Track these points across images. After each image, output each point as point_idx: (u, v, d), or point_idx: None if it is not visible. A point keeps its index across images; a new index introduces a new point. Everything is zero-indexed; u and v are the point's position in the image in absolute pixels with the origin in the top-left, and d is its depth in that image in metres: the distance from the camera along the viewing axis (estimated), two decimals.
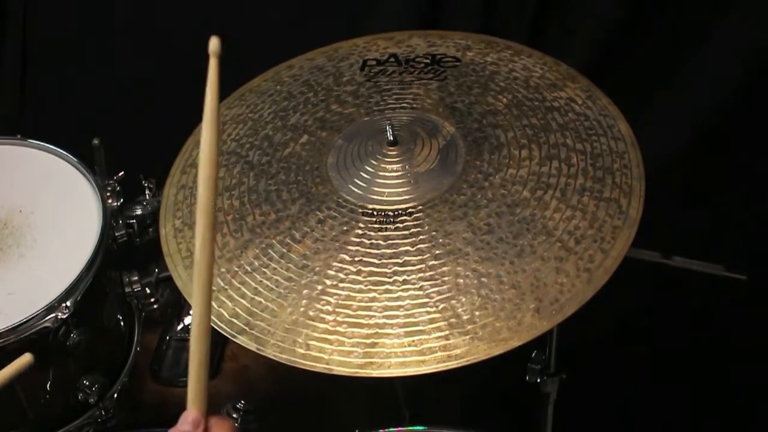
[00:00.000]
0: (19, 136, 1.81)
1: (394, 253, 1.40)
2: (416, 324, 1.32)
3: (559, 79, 1.64)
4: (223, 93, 1.71)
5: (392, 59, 1.72)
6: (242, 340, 1.37)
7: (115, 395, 1.71)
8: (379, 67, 1.71)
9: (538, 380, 1.71)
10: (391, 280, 1.37)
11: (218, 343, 1.93)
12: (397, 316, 1.34)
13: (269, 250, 1.45)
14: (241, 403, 1.80)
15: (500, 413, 2.22)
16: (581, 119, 1.56)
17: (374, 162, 1.52)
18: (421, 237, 1.41)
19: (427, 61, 1.70)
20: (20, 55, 2.48)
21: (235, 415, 1.80)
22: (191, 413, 1.18)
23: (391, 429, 1.72)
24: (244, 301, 1.40)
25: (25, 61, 2.48)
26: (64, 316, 1.54)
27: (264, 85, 1.74)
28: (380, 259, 1.39)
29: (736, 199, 2.38)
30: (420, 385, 1.91)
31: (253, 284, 1.41)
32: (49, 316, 1.53)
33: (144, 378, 1.90)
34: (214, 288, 1.42)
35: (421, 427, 1.74)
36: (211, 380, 1.90)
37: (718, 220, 2.36)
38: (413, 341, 1.31)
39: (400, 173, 1.50)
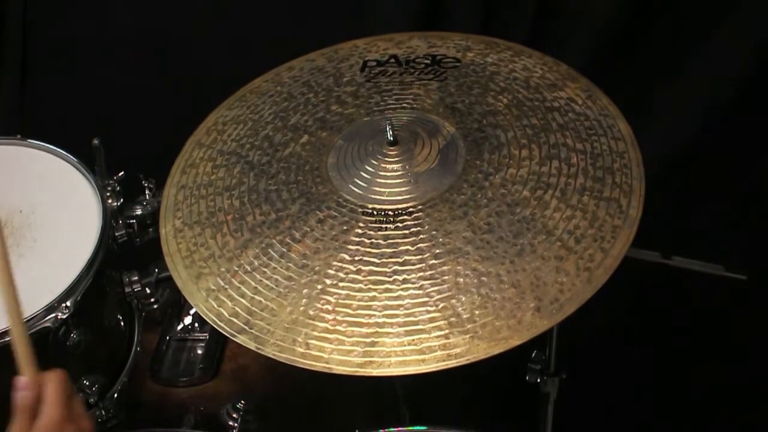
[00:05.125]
0: (19, 136, 1.81)
1: (394, 252, 1.40)
2: (416, 323, 1.32)
3: (559, 79, 1.64)
4: (224, 94, 1.73)
5: (392, 60, 1.72)
6: (242, 339, 1.37)
7: (115, 395, 1.71)
8: (379, 67, 1.71)
9: (538, 380, 1.71)
10: (391, 279, 1.37)
11: (218, 343, 1.93)
12: (397, 315, 1.34)
13: (269, 250, 1.45)
14: (241, 403, 1.80)
15: (500, 413, 2.23)
16: (581, 119, 1.56)
17: (374, 162, 1.52)
18: (421, 236, 1.41)
19: (428, 61, 1.71)
20: (20, 55, 2.48)
21: (235, 415, 1.80)
22: (23, 378, 1.25)
23: (391, 429, 1.72)
24: (243, 301, 1.40)
25: (25, 61, 2.48)
26: (64, 316, 1.54)
27: (264, 86, 1.74)
28: (380, 259, 1.40)
29: (736, 199, 2.38)
30: (420, 384, 1.92)
31: (252, 283, 1.42)
32: (49, 316, 1.53)
33: (144, 378, 1.90)
34: (213, 288, 1.42)
35: (421, 427, 1.73)
36: (211, 380, 1.92)
37: (718, 220, 2.37)
38: (413, 340, 1.31)
39: (400, 173, 1.50)
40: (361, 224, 1.45)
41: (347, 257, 1.41)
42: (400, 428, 1.72)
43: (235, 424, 1.79)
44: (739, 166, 2.34)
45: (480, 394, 2.24)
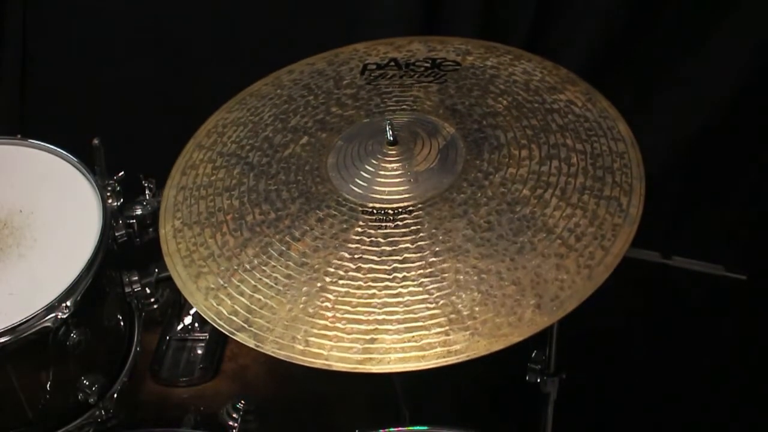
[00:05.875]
0: (19, 136, 1.81)
1: (393, 250, 1.40)
2: (416, 320, 1.32)
3: (558, 82, 1.64)
4: (224, 95, 1.73)
5: (392, 63, 1.73)
6: (241, 337, 1.37)
7: (115, 395, 1.71)
8: (379, 71, 1.72)
9: (538, 380, 1.71)
10: (390, 276, 1.37)
11: (218, 343, 1.93)
12: (396, 312, 1.33)
13: (269, 249, 1.45)
14: (241, 403, 1.80)
15: (500, 413, 2.22)
16: (581, 120, 1.56)
17: (374, 161, 1.52)
18: (421, 234, 1.41)
19: (427, 65, 1.71)
20: (20, 55, 2.48)
21: (235, 415, 1.80)
22: None
23: (391, 429, 1.72)
24: (243, 299, 1.40)
25: (25, 61, 2.48)
26: (64, 316, 1.54)
27: (264, 89, 1.75)
28: (380, 257, 1.39)
29: (736, 199, 2.38)
30: (420, 384, 1.92)
31: (252, 282, 1.41)
32: (49, 316, 1.53)
33: (144, 378, 1.90)
34: (213, 286, 1.42)
35: (421, 427, 1.73)
36: (211, 380, 1.93)
37: (718, 220, 2.37)
38: (413, 337, 1.31)
39: (400, 172, 1.50)
40: (361, 223, 1.45)
41: (347, 255, 1.41)
42: (400, 428, 1.72)
43: (235, 424, 1.80)
44: (739, 166, 2.35)
45: (480, 394, 2.24)
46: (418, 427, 1.74)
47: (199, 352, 1.93)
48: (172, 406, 1.88)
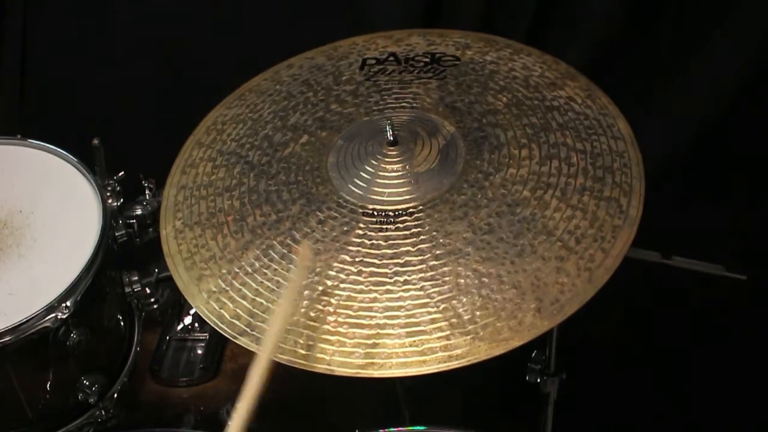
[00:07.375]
0: (19, 136, 1.81)
1: (394, 253, 1.40)
2: (417, 324, 1.32)
3: (558, 77, 1.64)
4: (223, 93, 1.73)
5: (391, 58, 1.72)
6: (243, 342, 1.37)
7: (115, 395, 1.71)
8: (378, 66, 1.71)
9: (538, 380, 1.71)
10: (392, 280, 1.37)
11: (218, 343, 1.93)
12: (398, 317, 1.34)
13: (270, 251, 1.44)
14: None
15: (500, 413, 2.22)
16: (581, 118, 1.56)
17: (374, 162, 1.52)
18: (421, 237, 1.41)
19: (427, 60, 1.70)
20: (20, 55, 2.48)
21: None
22: None
23: (391, 429, 1.72)
24: (245, 302, 1.40)
25: (25, 61, 2.48)
26: (64, 316, 1.54)
27: (263, 84, 1.74)
28: (381, 260, 1.39)
29: (736, 199, 2.38)
30: (420, 385, 1.92)
31: (254, 285, 1.41)
32: (49, 316, 1.53)
33: (144, 378, 1.90)
34: (215, 289, 1.42)
35: (421, 427, 1.73)
36: (211, 380, 1.92)
37: (718, 220, 2.37)
38: (414, 341, 1.31)
39: (400, 173, 1.50)
40: (362, 225, 1.44)
41: (348, 258, 1.41)
42: (400, 428, 1.72)
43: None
44: (740, 166, 2.35)
45: (480, 394, 2.24)
46: (417, 427, 1.73)
47: (199, 352, 1.93)
48: (172, 406, 1.88)
